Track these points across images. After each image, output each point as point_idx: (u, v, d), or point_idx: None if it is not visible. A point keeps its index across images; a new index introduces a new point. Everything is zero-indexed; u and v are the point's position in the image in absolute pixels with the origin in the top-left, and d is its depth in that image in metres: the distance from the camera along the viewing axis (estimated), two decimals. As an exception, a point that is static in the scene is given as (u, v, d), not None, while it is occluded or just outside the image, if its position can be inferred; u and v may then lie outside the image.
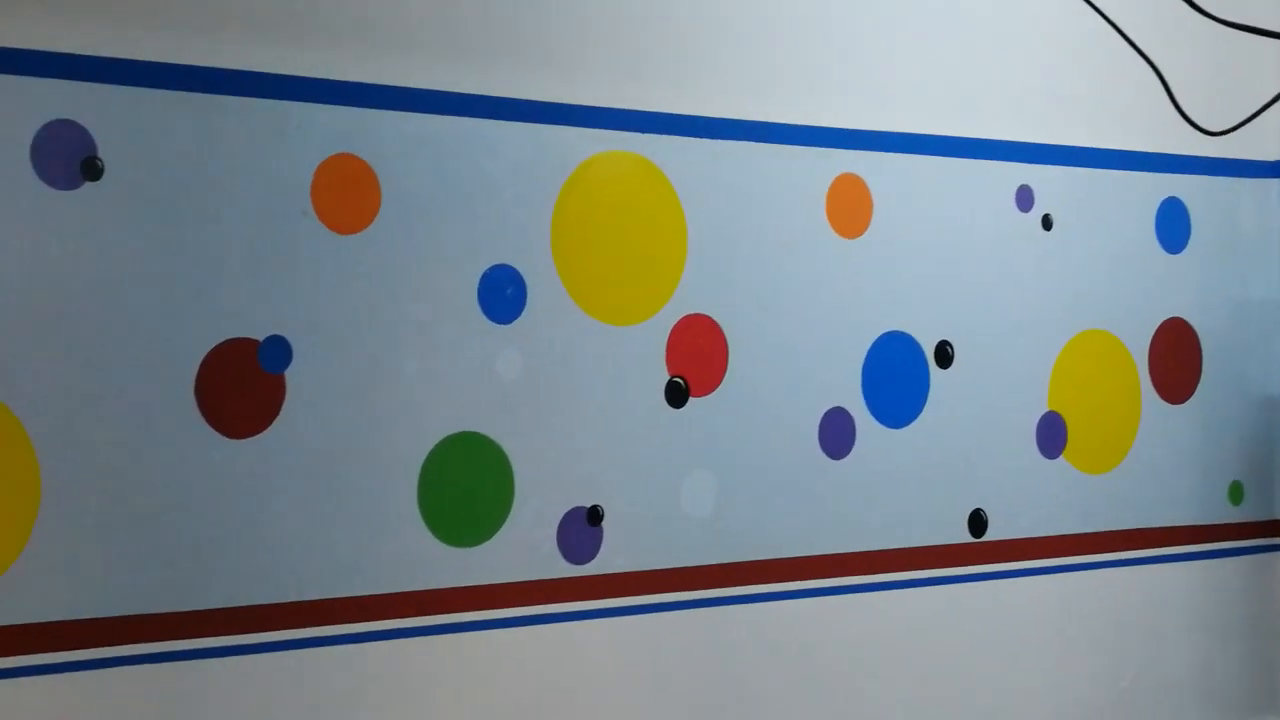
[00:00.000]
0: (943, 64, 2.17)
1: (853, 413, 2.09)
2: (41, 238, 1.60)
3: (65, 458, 1.60)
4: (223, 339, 1.69)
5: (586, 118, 1.90)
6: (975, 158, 2.19)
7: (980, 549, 2.20)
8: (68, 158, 1.60)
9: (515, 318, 1.86)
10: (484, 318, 1.84)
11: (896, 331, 2.13)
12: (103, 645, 1.62)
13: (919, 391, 2.15)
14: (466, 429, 1.83)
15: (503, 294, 1.85)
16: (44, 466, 1.60)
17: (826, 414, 2.07)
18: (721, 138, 1.99)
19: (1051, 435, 2.26)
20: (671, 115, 1.96)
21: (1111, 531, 2.33)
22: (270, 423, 1.72)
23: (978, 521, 2.20)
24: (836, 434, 2.08)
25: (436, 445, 1.81)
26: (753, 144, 2.01)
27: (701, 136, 1.97)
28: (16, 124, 1.58)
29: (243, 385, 1.70)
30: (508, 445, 1.85)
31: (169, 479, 1.66)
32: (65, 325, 1.61)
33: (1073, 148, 2.27)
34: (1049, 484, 2.27)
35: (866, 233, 2.10)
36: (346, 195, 1.76)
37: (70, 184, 1.61)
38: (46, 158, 1.59)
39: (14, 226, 1.58)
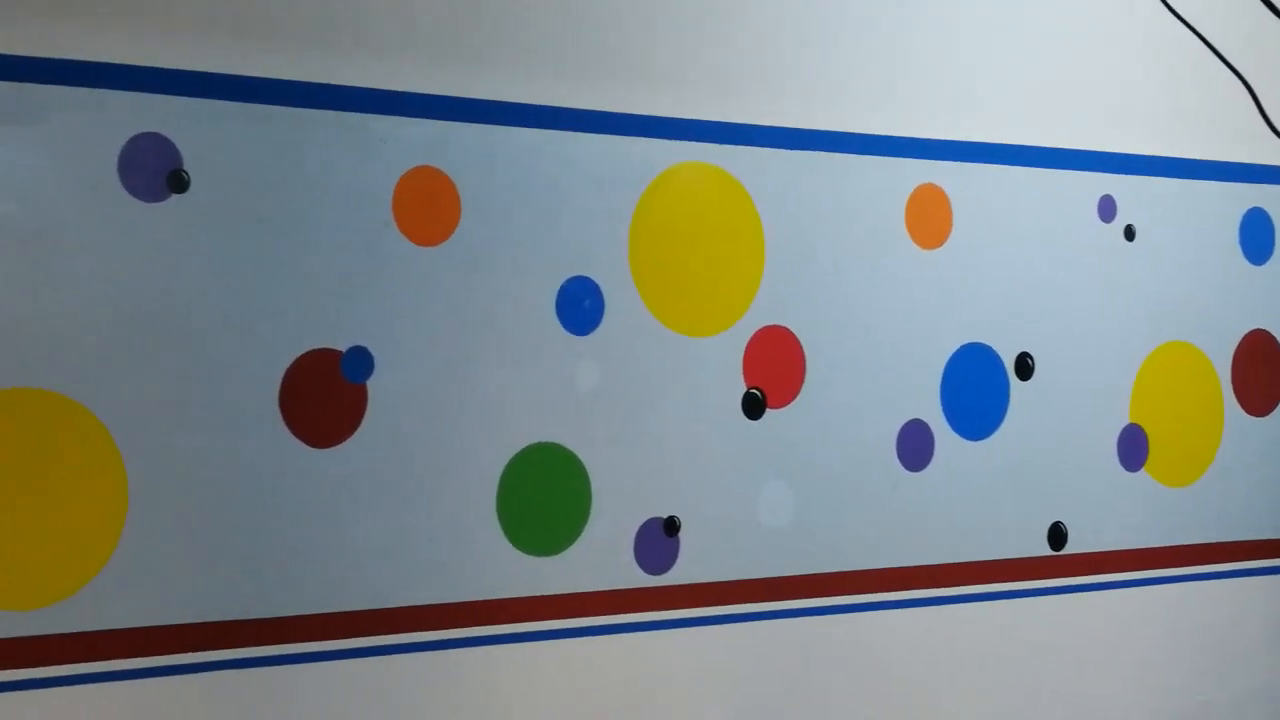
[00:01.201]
0: (1024, 73, 2.11)
1: (931, 425, 2.03)
2: (128, 249, 1.58)
3: (152, 467, 1.59)
4: (306, 349, 1.67)
5: (664, 129, 1.86)
6: (1057, 168, 2.11)
7: (1060, 562, 2.13)
8: (154, 170, 1.59)
9: (593, 329, 1.82)
10: (562, 329, 1.80)
11: (976, 343, 2.06)
12: (187, 651, 1.61)
13: (999, 404, 2.08)
14: (545, 439, 1.79)
15: (580, 305, 1.81)
16: (131, 475, 1.58)
17: (905, 426, 2.01)
18: (800, 148, 1.93)
19: (1133, 448, 2.19)
20: (749, 126, 1.90)
21: (1193, 545, 2.25)
22: (353, 432, 1.69)
23: (1058, 534, 2.13)
24: (915, 446, 2.01)
25: (515, 455, 1.77)
26: (831, 154, 1.95)
27: (779, 147, 1.92)
28: (104, 137, 1.57)
29: (326, 395, 1.68)
30: (585, 456, 1.81)
31: (253, 488, 1.64)
32: (151, 335, 1.59)
33: (1156, 158, 2.20)
34: (1130, 497, 2.19)
35: (946, 243, 2.03)
36: (427, 208, 1.73)
37: (156, 196, 1.59)
38: (133, 170, 1.58)
39: (101, 238, 1.57)
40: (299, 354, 1.66)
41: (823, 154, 1.95)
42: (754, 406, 1.91)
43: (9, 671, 1.54)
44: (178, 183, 1.60)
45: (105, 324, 1.57)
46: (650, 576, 1.85)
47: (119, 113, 1.57)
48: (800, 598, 1.94)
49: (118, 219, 1.57)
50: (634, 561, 1.84)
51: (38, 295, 1.55)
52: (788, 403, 1.93)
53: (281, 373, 1.65)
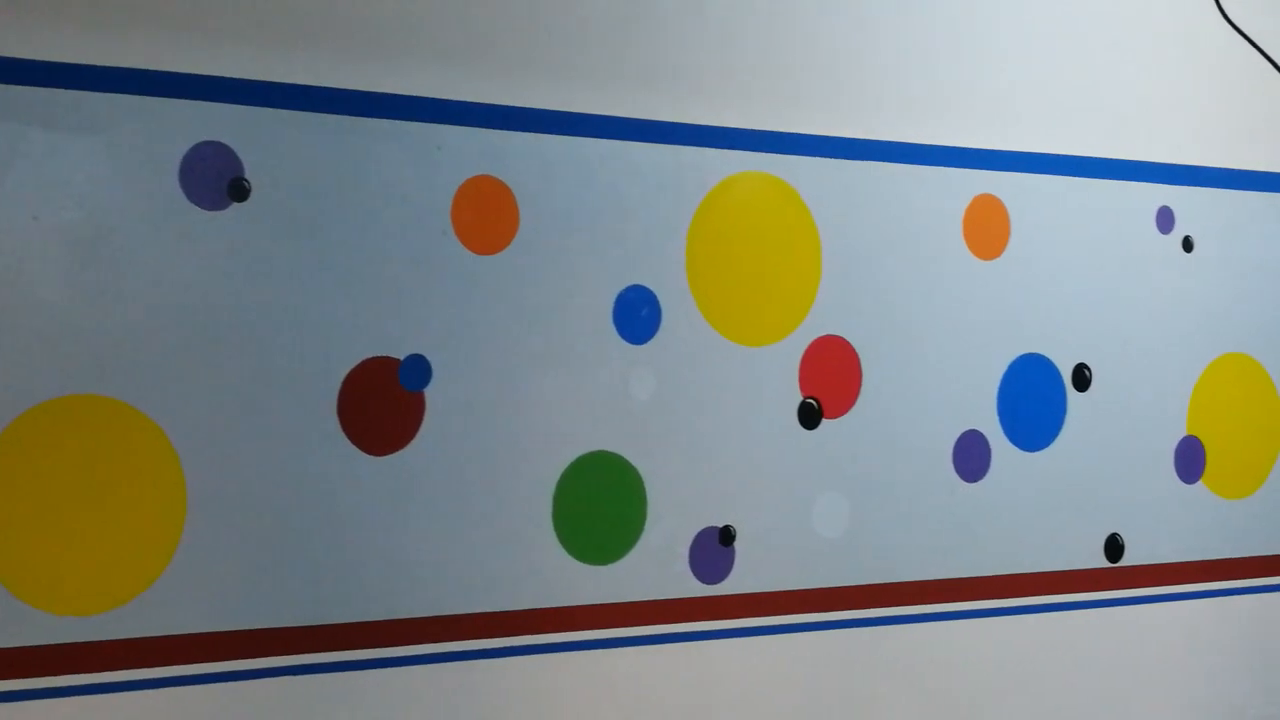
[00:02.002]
0: (1083, 84, 2.04)
1: (988, 435, 1.96)
2: (189, 257, 1.55)
3: (211, 473, 1.55)
4: (364, 357, 1.62)
5: (722, 139, 1.81)
6: (1115, 179, 2.05)
7: (1116, 574, 2.06)
8: (215, 179, 1.55)
9: (649, 338, 1.77)
10: (619, 338, 1.75)
11: (1033, 354, 1.99)
12: (244, 657, 1.57)
13: (1056, 415, 2.01)
14: (601, 448, 1.74)
15: (637, 314, 1.76)
16: (190, 482, 1.55)
17: (961, 436, 1.94)
18: (857, 158, 1.88)
19: (1190, 459, 2.11)
20: (807, 136, 1.85)
21: (1250, 557, 2.17)
22: (410, 440, 1.65)
23: (1114, 546, 2.06)
24: (971, 457, 1.95)
25: (571, 464, 1.72)
26: (888, 165, 1.90)
27: (837, 157, 1.87)
28: (166, 145, 1.54)
29: (384, 403, 1.63)
30: (641, 464, 1.76)
31: (311, 495, 1.60)
32: (211, 343, 1.56)
33: (1214, 169, 2.13)
34: (1187, 509, 2.12)
35: (1004, 254, 1.97)
36: (486, 216, 1.68)
37: (217, 205, 1.56)
38: (194, 179, 1.54)
39: (163, 246, 1.54)
40: (357, 362, 1.62)
41: (880, 164, 1.90)
42: (810, 416, 1.85)
43: (70, 676, 1.51)
44: (238, 191, 1.57)
45: (165, 331, 1.54)
46: (705, 586, 1.80)
47: (180, 121, 1.54)
48: (855, 608, 1.89)
49: (178, 227, 1.54)
50: (689, 571, 1.79)
51: (99, 302, 1.51)
52: (844, 413, 1.88)
53: (340, 380, 1.62)
